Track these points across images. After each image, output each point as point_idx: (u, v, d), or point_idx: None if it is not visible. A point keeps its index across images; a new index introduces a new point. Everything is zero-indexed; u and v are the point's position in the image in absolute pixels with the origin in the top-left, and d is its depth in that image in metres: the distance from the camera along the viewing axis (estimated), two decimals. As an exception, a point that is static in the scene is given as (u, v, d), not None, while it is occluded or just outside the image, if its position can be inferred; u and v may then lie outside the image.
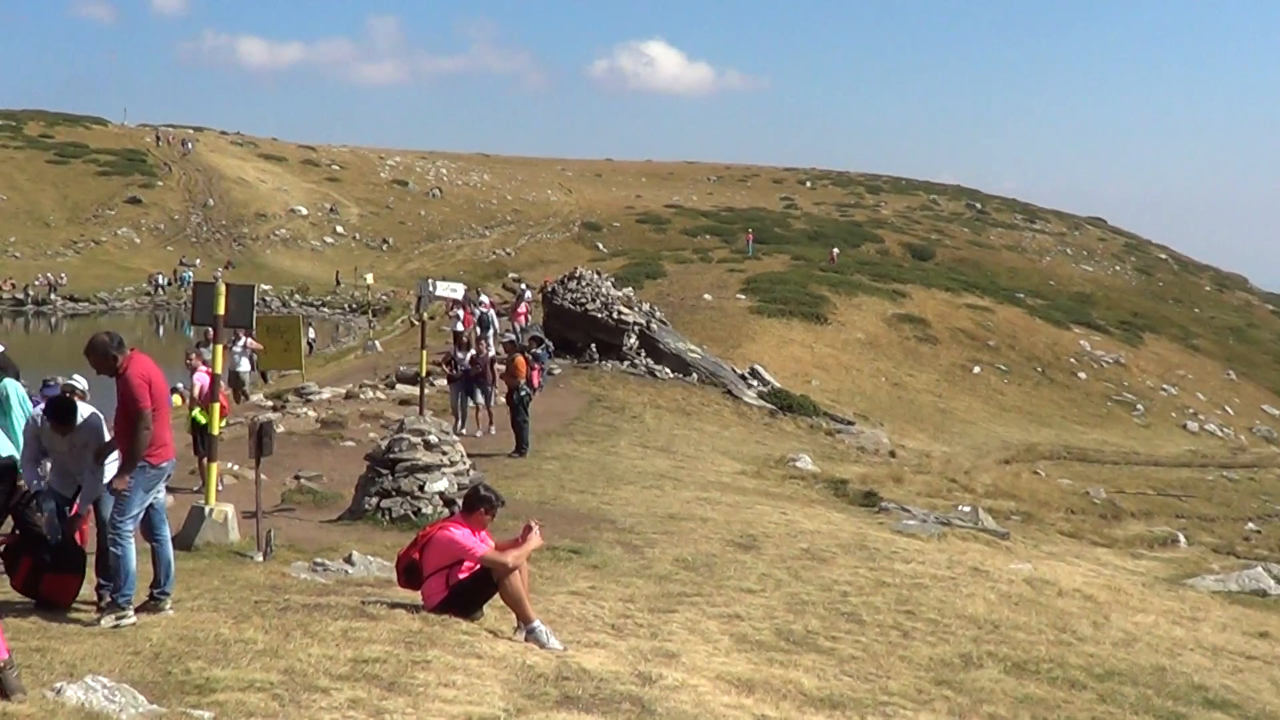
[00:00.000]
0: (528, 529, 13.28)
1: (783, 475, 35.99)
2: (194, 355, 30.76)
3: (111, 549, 12.33)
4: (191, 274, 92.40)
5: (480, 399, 35.83)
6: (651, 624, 14.72)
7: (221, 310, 19.50)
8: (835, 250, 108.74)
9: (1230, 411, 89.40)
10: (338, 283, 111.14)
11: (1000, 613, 18.56)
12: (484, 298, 60.16)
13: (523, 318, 52.96)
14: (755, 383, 53.14)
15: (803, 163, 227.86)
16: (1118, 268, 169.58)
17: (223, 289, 20.03)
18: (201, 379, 26.23)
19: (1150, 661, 17.14)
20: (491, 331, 52.85)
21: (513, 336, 50.71)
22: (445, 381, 38.55)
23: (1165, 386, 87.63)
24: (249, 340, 40.56)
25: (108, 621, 11.85)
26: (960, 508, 33.81)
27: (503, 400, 35.09)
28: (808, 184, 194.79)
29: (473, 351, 38.12)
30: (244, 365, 41.85)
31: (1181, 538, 44.38)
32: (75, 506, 13.26)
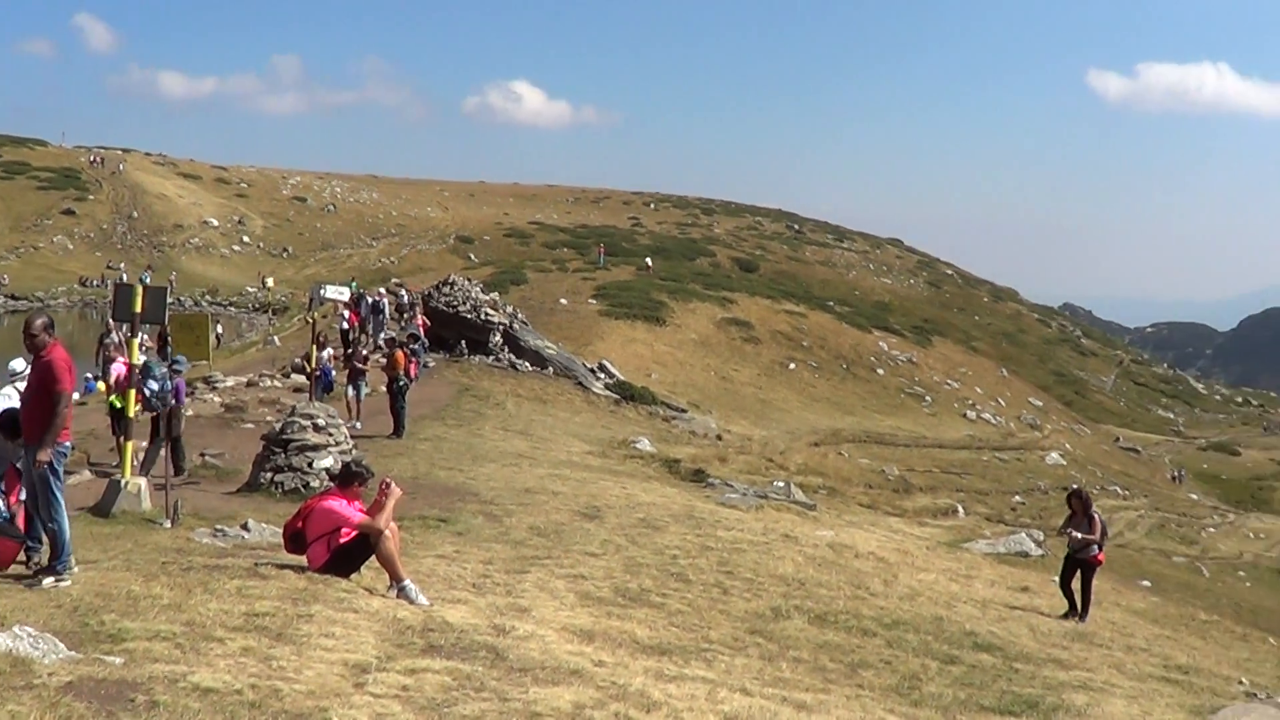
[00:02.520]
0: (385, 485, 13.09)
1: (625, 455, 35.97)
2: (111, 347, 30.17)
3: (48, 524, 12.04)
4: (150, 276, 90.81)
5: (351, 393, 35.49)
6: (507, 583, 14.61)
7: (138, 308, 19.24)
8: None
9: (1002, 403, 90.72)
10: (263, 285, 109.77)
11: (806, 572, 18.66)
12: (381, 291, 60.10)
13: (422, 328, 52.72)
14: (603, 376, 53.10)
15: (648, 187, 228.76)
16: (912, 281, 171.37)
17: (140, 289, 19.78)
18: (118, 368, 25.80)
19: (930, 612, 17.34)
20: (382, 317, 52.86)
21: (393, 334, 50.50)
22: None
23: (949, 381, 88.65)
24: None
25: (48, 583, 11.58)
26: (775, 483, 33.95)
27: (383, 389, 34.85)
28: (652, 206, 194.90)
29: (330, 350, 37.97)
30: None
31: (960, 508, 45.01)
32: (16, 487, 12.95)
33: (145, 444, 24.95)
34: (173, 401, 23.53)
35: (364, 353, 38.23)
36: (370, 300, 53.73)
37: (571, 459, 32.71)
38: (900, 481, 49.75)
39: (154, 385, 23.19)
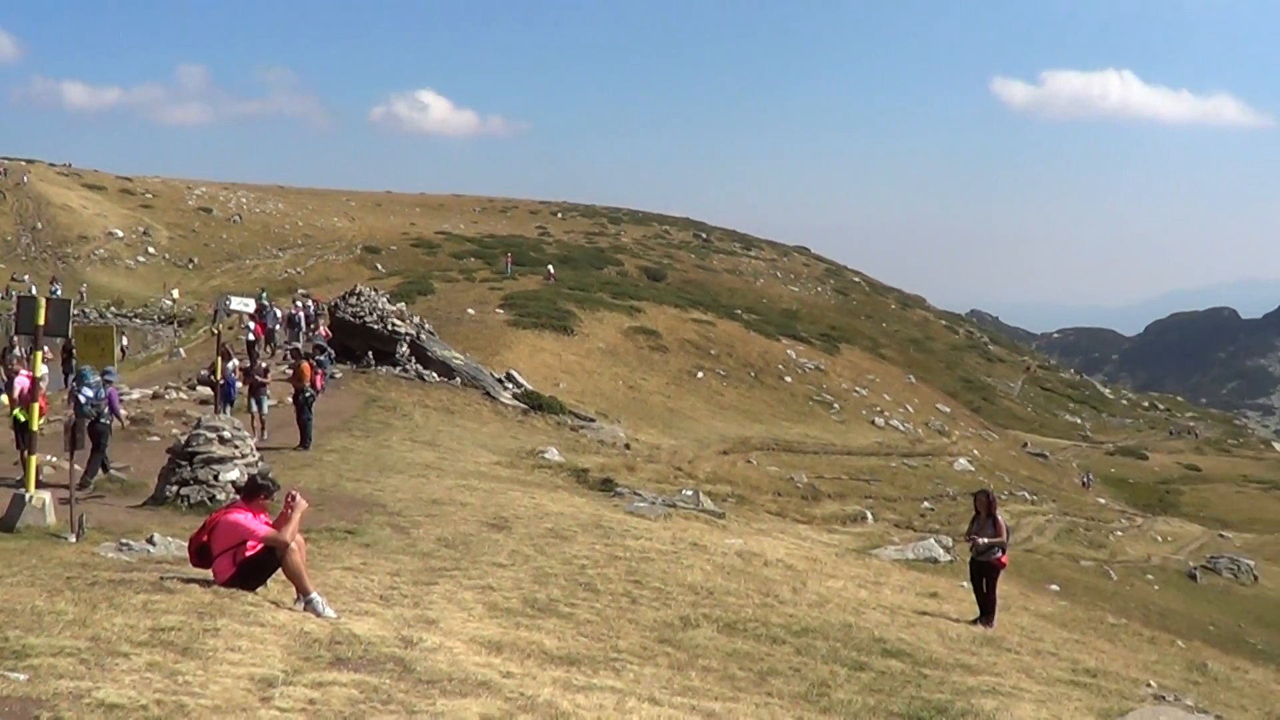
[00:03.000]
0: (290, 498, 13.04)
1: (533, 465, 35.97)
2: (14, 361, 29.90)
3: None
4: (59, 289, 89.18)
5: (254, 407, 35.25)
6: (415, 595, 14.61)
7: (42, 321, 19.12)
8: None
9: (910, 409, 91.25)
10: (172, 299, 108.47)
11: (715, 581, 18.76)
12: (298, 303, 59.81)
13: (325, 338, 52.32)
14: (511, 385, 53.03)
15: (556, 196, 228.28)
16: (819, 289, 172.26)
17: (43, 302, 19.66)
18: (22, 382, 25.62)
19: (839, 619, 17.46)
20: (298, 328, 52.69)
21: (298, 346, 50.24)
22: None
23: (857, 388, 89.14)
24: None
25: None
26: (684, 492, 34.06)
27: (290, 401, 34.69)
28: (559, 215, 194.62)
29: (239, 361, 37.75)
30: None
31: (869, 515, 45.31)
32: None
33: (51, 457, 24.80)
34: (106, 409, 23.49)
35: (263, 365, 37.94)
36: (284, 312, 53.50)
37: (479, 469, 32.68)
38: (809, 489, 50.05)
39: (89, 393, 23.16)
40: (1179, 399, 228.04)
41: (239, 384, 36.68)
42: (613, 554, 19.81)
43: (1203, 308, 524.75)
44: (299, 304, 58.87)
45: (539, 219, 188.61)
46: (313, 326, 55.15)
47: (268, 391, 35.74)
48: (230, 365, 35.99)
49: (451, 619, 13.36)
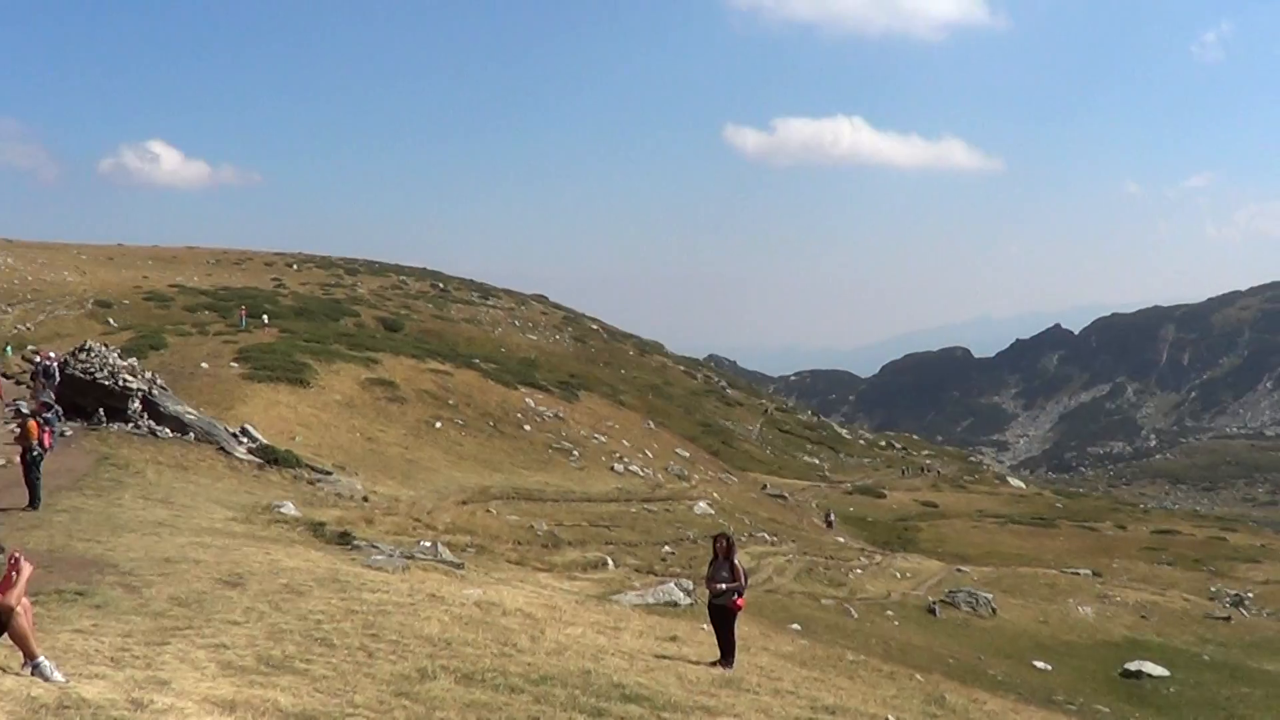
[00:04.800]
0: (14, 560, 12.84)
1: (269, 520, 35.58)
2: None
3: None
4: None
5: None
6: (147, 655, 14.43)
7: None
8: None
9: (650, 455, 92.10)
10: None
11: (453, 631, 18.83)
12: (52, 355, 58.29)
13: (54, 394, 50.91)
14: (245, 440, 52.35)
15: (291, 248, 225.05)
16: (558, 336, 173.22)
17: None
18: None
19: (578, 666, 17.66)
20: (53, 380, 51.43)
21: (22, 404, 49.11)
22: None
23: (596, 435, 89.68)
24: None
25: None
26: (422, 543, 34.07)
27: (17, 460, 33.92)
28: (295, 267, 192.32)
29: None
30: None
31: (610, 561, 45.62)
32: None
33: None
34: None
35: None
36: (39, 364, 52.46)
37: (214, 526, 32.24)
38: (549, 536, 50.21)
39: None
40: (915, 437, 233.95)
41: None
42: (349, 608, 19.76)
43: (937, 348, 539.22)
44: (51, 355, 57.57)
45: (274, 270, 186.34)
46: (41, 383, 53.99)
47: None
48: None
49: (184, 679, 13.23)
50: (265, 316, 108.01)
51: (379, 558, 28.91)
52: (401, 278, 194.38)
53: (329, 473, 52.21)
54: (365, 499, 48.39)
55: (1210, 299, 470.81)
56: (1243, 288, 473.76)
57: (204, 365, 75.51)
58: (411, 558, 29.85)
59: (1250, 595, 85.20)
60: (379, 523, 38.96)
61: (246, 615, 18.26)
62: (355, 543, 32.20)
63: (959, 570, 76.93)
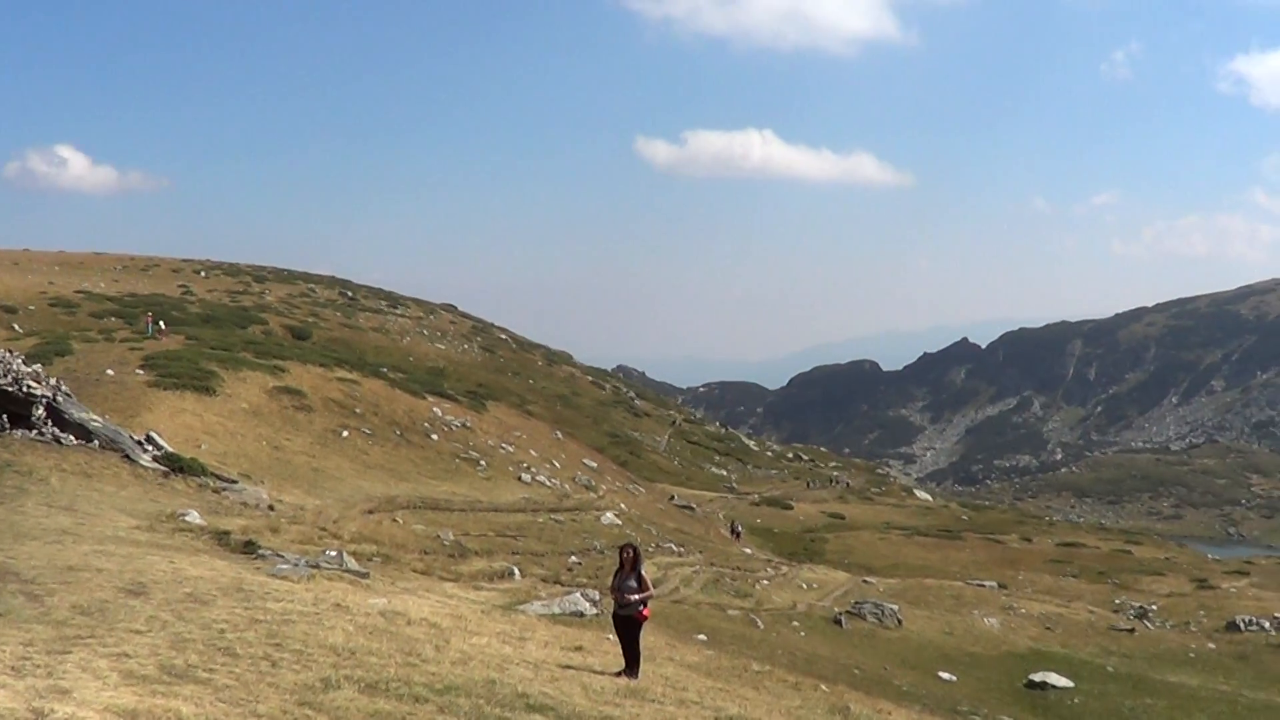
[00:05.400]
0: None
1: (173, 529, 35.28)
2: None
3: None
4: None
5: None
6: (48, 664, 14.27)
7: None
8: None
9: (557, 465, 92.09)
10: None
11: (357, 641, 18.74)
12: None
13: None
14: (151, 448, 51.91)
15: (199, 254, 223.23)
16: (466, 346, 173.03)
17: None
18: None
19: (483, 676, 17.62)
20: None
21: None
22: None
23: (504, 445, 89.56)
24: None
25: None
26: (328, 552, 33.86)
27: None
28: (203, 274, 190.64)
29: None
30: None
31: (516, 571, 45.55)
32: None
33: None
34: None
35: None
36: None
37: (118, 534, 31.94)
38: (456, 546, 50.09)
39: None
40: (823, 449, 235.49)
41: None
42: (253, 617, 19.62)
43: (845, 360, 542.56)
44: None
45: (182, 277, 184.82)
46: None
47: None
48: None
49: (86, 688, 13.10)
50: (162, 323, 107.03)
51: (284, 567, 28.73)
52: (310, 286, 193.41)
53: (235, 481, 51.86)
54: (271, 508, 48.08)
55: (1117, 315, 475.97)
56: (1149, 304, 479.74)
57: (109, 372, 74.79)
58: (317, 567, 29.66)
59: (1154, 607, 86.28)
60: (284, 531, 38.72)
61: (149, 624, 18.08)
62: (260, 552, 32.00)
63: (865, 581, 77.37)
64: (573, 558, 56.29)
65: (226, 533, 35.16)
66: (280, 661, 16.36)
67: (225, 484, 50.10)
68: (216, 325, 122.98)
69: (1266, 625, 76.04)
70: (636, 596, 21.84)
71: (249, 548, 32.79)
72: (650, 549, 67.40)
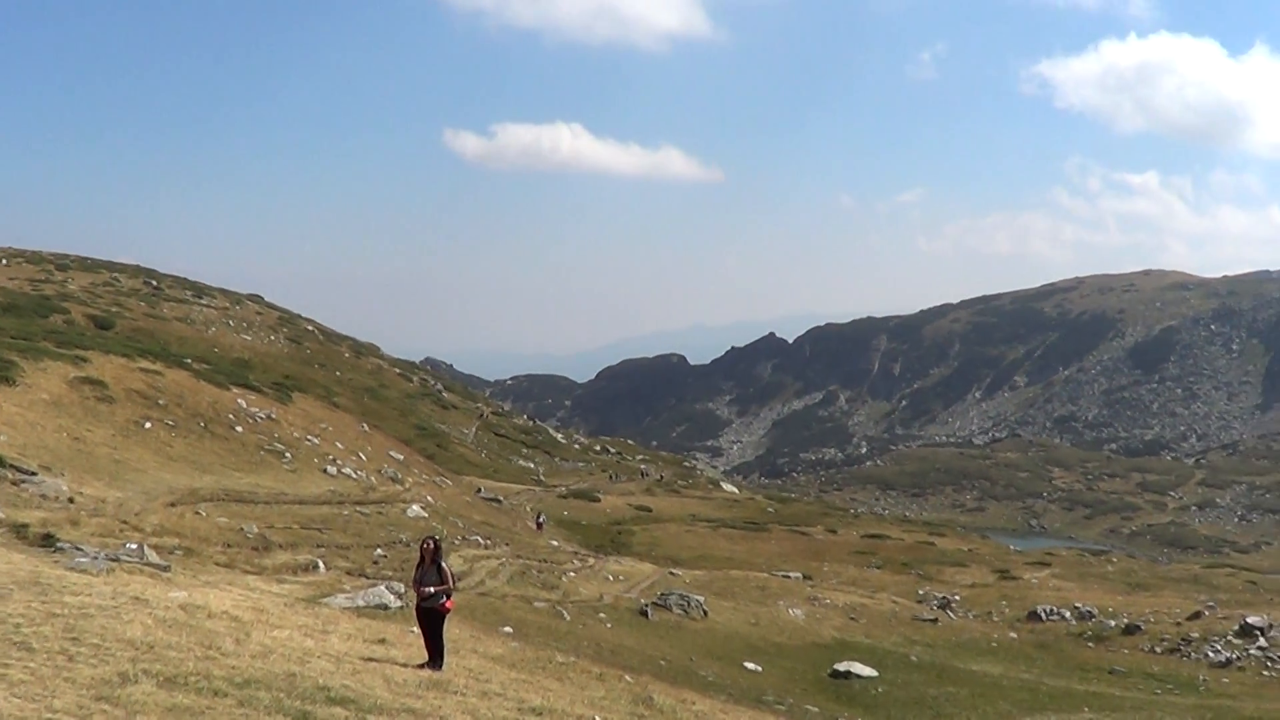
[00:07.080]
0: None
1: (-33, 523, 34.66)
2: None
3: None
4: None
5: None
6: None
7: None
8: None
9: (364, 457, 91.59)
10: None
11: (156, 635, 18.58)
12: None
13: None
14: (-56, 440, 50.94)
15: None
16: (273, 337, 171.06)
17: None
18: None
19: (283, 669, 17.59)
20: None
21: None
22: None
23: (310, 437, 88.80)
24: None
25: None
26: (128, 545, 33.45)
27: None
28: (3, 261, 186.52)
29: None
30: None
31: (321, 564, 45.32)
32: None
33: None
34: None
35: None
36: None
37: (-92, 530, 31.33)
38: (260, 539, 49.59)
39: None
40: (630, 442, 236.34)
41: None
42: (50, 611, 19.35)
43: (653, 354, 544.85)
44: None
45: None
46: None
47: None
48: None
49: (-124, 685, 12.93)
50: None
51: (83, 560, 28.34)
52: (114, 275, 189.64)
53: (34, 473, 50.89)
54: (71, 500, 47.27)
55: (922, 311, 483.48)
56: (954, 300, 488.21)
57: (-100, 363, 73.01)
58: (116, 560, 29.31)
59: (957, 598, 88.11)
60: (84, 524, 38.10)
61: (-58, 620, 17.81)
62: (59, 545, 31.51)
63: (671, 573, 78.00)
64: (378, 550, 56.04)
65: (24, 525, 34.56)
66: (77, 656, 16.20)
67: (24, 476, 49.15)
68: (17, 314, 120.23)
69: (1067, 615, 78.12)
70: (436, 589, 21.94)
71: (47, 541, 32.28)
72: (457, 541, 67.35)
